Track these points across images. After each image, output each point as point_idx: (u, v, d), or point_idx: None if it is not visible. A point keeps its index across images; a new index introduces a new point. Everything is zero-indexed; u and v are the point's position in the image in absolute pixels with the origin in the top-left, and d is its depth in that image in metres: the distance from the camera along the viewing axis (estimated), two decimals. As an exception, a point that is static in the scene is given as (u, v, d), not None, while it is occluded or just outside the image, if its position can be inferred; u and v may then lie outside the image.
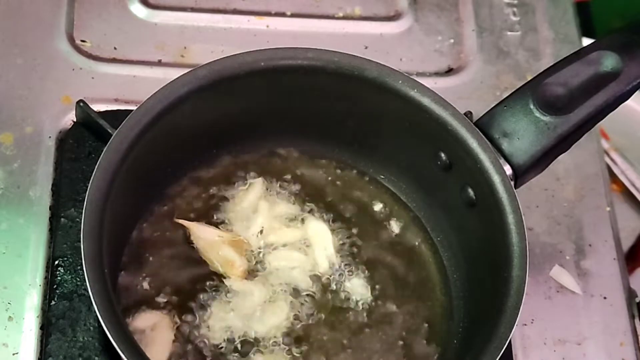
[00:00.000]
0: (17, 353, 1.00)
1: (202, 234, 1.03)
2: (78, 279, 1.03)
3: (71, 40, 1.20)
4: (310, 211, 1.07)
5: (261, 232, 1.05)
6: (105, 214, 0.92)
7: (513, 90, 1.02)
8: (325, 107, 1.06)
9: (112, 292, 0.91)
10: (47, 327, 1.01)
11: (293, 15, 1.26)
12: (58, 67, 1.18)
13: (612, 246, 1.15)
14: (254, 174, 1.08)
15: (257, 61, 1.01)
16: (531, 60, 1.26)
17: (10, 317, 1.02)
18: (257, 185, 1.08)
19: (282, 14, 1.26)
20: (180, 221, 1.04)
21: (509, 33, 1.28)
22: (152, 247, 1.03)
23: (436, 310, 1.04)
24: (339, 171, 1.10)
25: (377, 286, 1.04)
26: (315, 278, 1.03)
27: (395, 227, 1.08)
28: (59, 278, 1.03)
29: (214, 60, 1.00)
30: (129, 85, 1.17)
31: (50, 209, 1.08)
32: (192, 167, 1.08)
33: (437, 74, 1.24)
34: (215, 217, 1.06)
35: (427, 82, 1.05)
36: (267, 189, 1.08)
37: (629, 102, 1.02)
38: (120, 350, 0.87)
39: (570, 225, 1.15)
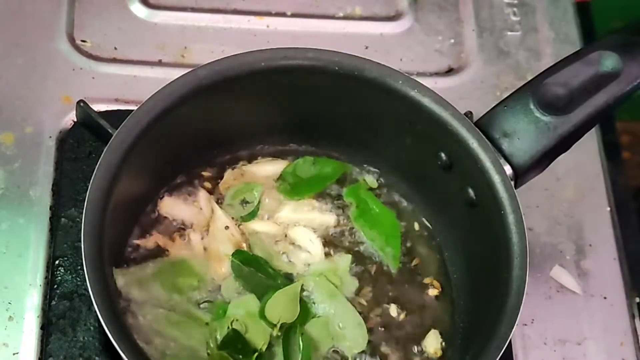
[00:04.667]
0: (17, 353, 1.01)
1: (218, 221, 1.04)
2: (78, 279, 1.03)
3: (71, 40, 1.20)
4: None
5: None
6: (106, 213, 0.92)
7: (513, 90, 1.02)
8: (325, 107, 1.06)
9: (112, 291, 0.92)
10: (47, 327, 1.02)
11: (293, 15, 1.26)
12: (58, 67, 1.18)
13: (612, 246, 1.15)
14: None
15: (258, 61, 1.01)
16: (531, 60, 1.26)
17: (10, 317, 1.02)
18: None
19: (282, 14, 1.26)
20: (211, 200, 1.05)
21: (509, 33, 1.28)
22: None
23: (436, 310, 1.04)
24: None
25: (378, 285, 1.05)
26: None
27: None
28: (59, 278, 1.03)
29: (215, 60, 1.00)
30: (129, 85, 1.17)
31: (50, 209, 1.08)
32: (192, 167, 1.08)
33: (438, 74, 1.24)
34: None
35: (428, 82, 1.05)
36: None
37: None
38: (121, 350, 0.87)
39: (571, 225, 1.16)
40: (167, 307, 0.99)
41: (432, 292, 1.05)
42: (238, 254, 1.02)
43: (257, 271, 1.01)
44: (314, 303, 1.01)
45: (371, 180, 1.10)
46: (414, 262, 1.07)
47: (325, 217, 1.07)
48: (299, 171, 1.09)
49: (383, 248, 1.06)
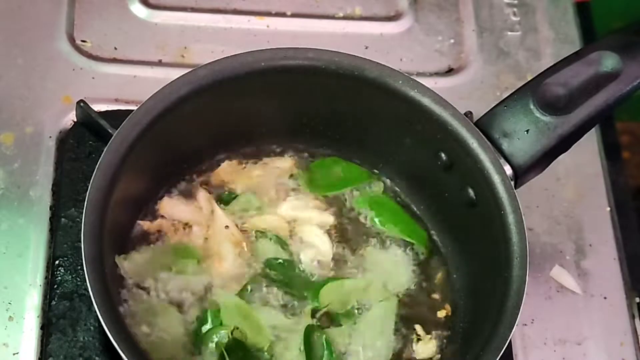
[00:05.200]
0: (17, 353, 1.01)
1: (218, 221, 1.04)
2: (78, 279, 1.03)
3: (71, 40, 1.20)
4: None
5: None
6: (106, 214, 0.92)
7: (513, 91, 1.02)
8: (325, 107, 1.06)
9: (112, 291, 0.92)
10: (47, 327, 1.02)
11: (293, 15, 1.26)
12: (58, 67, 1.18)
13: (612, 246, 1.15)
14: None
15: (258, 61, 1.01)
16: (531, 60, 1.26)
17: (10, 317, 1.02)
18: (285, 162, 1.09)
19: (282, 14, 1.26)
20: (211, 199, 1.05)
21: (509, 33, 1.28)
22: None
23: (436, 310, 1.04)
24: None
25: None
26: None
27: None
28: (59, 278, 1.03)
29: (214, 60, 1.00)
30: (129, 85, 1.17)
31: (50, 209, 1.08)
32: (192, 167, 1.08)
33: (438, 74, 1.24)
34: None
35: (428, 82, 1.05)
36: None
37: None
38: (121, 350, 0.87)
39: (570, 225, 1.16)
40: (164, 293, 1.00)
41: (441, 314, 1.05)
42: (268, 264, 1.03)
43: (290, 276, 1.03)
44: (360, 310, 1.01)
45: (376, 189, 1.10)
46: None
47: (324, 216, 1.07)
48: (325, 168, 1.09)
49: (411, 236, 1.07)
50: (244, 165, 1.09)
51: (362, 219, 1.08)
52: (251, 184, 1.08)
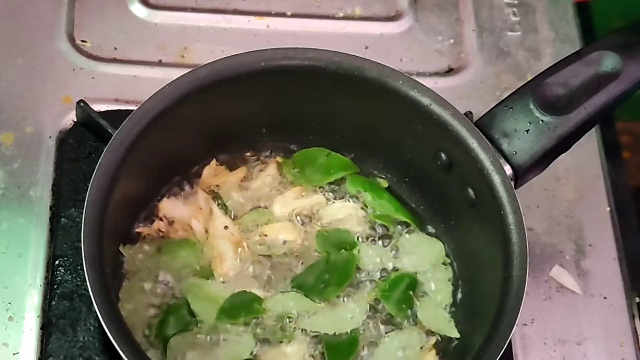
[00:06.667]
0: (17, 353, 1.01)
1: (217, 220, 1.04)
2: (78, 279, 1.03)
3: (71, 40, 1.20)
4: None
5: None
6: (106, 213, 0.92)
7: (513, 91, 1.02)
8: (325, 107, 1.06)
9: (112, 291, 0.92)
10: (47, 327, 1.02)
11: (293, 15, 1.26)
12: (58, 67, 1.18)
13: (612, 246, 1.15)
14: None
15: (258, 61, 1.01)
16: (531, 60, 1.26)
17: (10, 317, 1.02)
18: (270, 168, 1.09)
19: (282, 14, 1.26)
20: (210, 199, 1.05)
21: (509, 33, 1.28)
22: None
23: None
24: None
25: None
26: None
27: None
28: (59, 278, 1.03)
29: (215, 60, 1.00)
30: (129, 85, 1.17)
31: (50, 209, 1.08)
32: (192, 167, 1.08)
33: (437, 74, 1.24)
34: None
35: (427, 82, 1.05)
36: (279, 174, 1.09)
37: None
38: (121, 350, 0.87)
39: (570, 225, 1.15)
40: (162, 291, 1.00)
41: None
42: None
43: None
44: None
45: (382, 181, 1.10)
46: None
47: (315, 197, 1.07)
48: (310, 158, 1.09)
49: (405, 215, 1.07)
50: (239, 166, 1.09)
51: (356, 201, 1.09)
52: (249, 188, 1.08)
